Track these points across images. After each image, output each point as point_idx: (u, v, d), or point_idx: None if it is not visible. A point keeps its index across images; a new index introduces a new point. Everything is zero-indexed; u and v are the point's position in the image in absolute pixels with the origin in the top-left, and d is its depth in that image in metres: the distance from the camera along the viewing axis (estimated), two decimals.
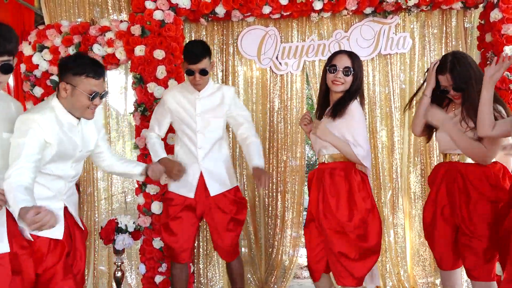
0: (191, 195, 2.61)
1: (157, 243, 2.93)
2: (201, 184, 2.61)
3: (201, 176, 2.60)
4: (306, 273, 3.85)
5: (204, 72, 2.49)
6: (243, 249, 3.44)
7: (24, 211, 1.58)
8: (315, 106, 3.27)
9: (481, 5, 3.06)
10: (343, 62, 2.29)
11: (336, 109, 2.28)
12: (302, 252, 4.27)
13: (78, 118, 2.01)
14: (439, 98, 2.34)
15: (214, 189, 2.61)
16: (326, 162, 2.35)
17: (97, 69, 1.94)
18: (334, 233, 2.24)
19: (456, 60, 2.21)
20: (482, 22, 3.06)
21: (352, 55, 2.33)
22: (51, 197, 1.99)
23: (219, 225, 2.63)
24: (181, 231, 2.61)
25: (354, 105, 2.27)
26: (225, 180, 2.66)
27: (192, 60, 2.46)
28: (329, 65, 2.32)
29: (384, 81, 3.32)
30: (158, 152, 2.63)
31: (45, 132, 1.87)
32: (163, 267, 2.94)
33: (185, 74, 2.59)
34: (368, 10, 3.11)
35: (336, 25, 3.27)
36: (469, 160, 2.25)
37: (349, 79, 2.29)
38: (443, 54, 3.16)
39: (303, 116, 2.57)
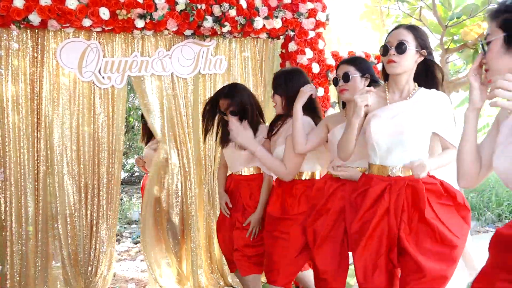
0: None
1: None
2: None
3: None
4: (131, 285, 3.85)
5: None
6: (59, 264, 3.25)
7: None
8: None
9: (282, 37, 3.60)
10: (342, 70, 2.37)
11: None
12: (127, 265, 4.27)
13: None
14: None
15: None
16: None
17: None
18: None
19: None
20: (283, 51, 3.61)
21: (352, 62, 2.38)
22: None
23: None
24: None
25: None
26: None
27: None
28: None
29: (206, 98, 3.56)
30: None
31: None
32: None
33: None
34: (188, 32, 3.33)
35: (159, 44, 3.40)
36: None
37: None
38: (257, 74, 3.64)
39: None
